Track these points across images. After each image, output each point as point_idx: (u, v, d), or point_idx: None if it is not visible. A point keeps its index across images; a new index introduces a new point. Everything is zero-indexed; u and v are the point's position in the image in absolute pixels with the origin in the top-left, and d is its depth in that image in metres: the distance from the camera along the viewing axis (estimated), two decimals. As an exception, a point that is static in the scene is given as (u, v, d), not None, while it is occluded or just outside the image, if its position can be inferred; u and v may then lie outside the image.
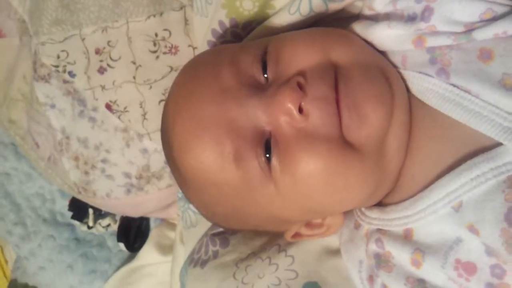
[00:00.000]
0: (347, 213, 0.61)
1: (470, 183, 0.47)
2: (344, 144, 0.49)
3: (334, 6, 0.60)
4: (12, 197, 1.02)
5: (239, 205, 0.55)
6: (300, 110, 0.48)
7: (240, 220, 0.59)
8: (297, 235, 0.60)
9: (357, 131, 0.49)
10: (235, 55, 0.55)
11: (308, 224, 0.59)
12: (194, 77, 0.56)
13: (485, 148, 0.48)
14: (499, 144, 0.47)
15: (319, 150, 0.48)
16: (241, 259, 0.66)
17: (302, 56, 0.51)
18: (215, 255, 0.69)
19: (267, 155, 0.50)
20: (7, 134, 0.99)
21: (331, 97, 0.49)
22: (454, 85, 0.50)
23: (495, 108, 0.47)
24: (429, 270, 0.50)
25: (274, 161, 0.50)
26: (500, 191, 0.46)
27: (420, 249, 0.50)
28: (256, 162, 0.51)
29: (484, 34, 0.49)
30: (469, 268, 0.47)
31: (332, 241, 0.63)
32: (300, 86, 0.49)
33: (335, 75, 0.50)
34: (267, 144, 0.50)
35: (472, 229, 0.47)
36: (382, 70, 0.53)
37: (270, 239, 0.67)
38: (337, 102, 0.49)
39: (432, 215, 0.50)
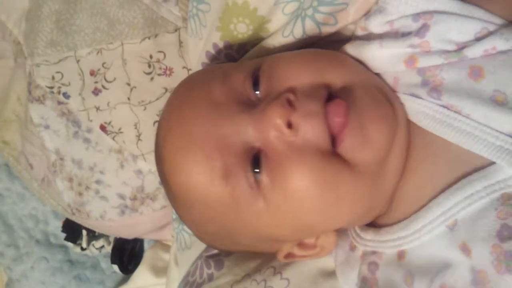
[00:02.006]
0: (342, 235, 0.61)
1: (464, 201, 0.48)
2: (337, 159, 0.49)
3: (327, 29, 0.61)
4: (4, 218, 1.02)
5: (228, 223, 0.55)
6: (290, 126, 0.49)
7: (231, 239, 0.59)
8: (290, 255, 0.59)
9: (358, 151, 0.49)
10: (228, 73, 0.56)
11: (301, 245, 0.58)
12: (186, 95, 0.57)
13: (479, 167, 0.48)
14: (492, 163, 0.48)
15: (310, 163, 0.48)
16: (236, 281, 0.65)
17: (295, 74, 0.52)
18: (210, 277, 0.68)
19: (257, 171, 0.50)
20: (0, 154, 0.98)
21: (321, 112, 0.49)
22: (444, 106, 0.50)
23: (486, 128, 0.48)
24: None
25: (264, 176, 0.50)
26: (493, 208, 0.46)
27: (411, 272, 0.50)
28: (244, 179, 0.51)
29: (475, 51, 0.49)
30: None
31: (327, 263, 0.62)
32: (290, 102, 0.49)
33: (330, 94, 0.51)
34: (256, 160, 0.51)
35: (464, 248, 0.47)
36: (382, 91, 0.54)
37: (264, 260, 0.66)
38: (344, 122, 0.49)
39: (427, 235, 0.49)
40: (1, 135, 0.90)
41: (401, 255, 0.52)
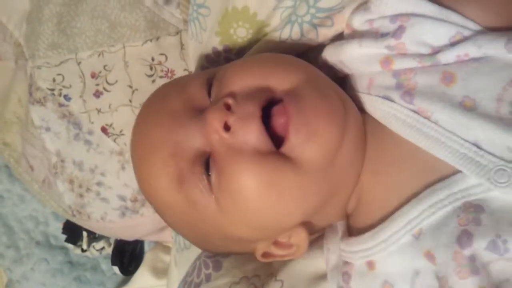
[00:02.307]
0: (333, 239, 0.61)
1: (429, 210, 0.48)
2: (278, 157, 0.50)
3: (324, 31, 0.62)
4: (4, 219, 1.02)
5: (196, 226, 0.57)
6: (228, 128, 0.51)
7: (204, 241, 0.61)
8: (268, 255, 0.60)
9: (304, 148, 0.50)
10: (186, 82, 0.58)
11: (277, 244, 0.59)
12: (148, 105, 0.61)
13: (444, 175, 0.49)
14: (458, 171, 0.48)
15: (249, 164, 0.50)
16: (234, 283, 0.66)
17: (239, 79, 0.54)
18: (208, 278, 0.68)
19: (209, 174, 0.53)
20: (0, 156, 0.98)
21: (256, 113, 0.50)
22: (415, 111, 0.51)
23: (452, 135, 0.49)
24: None
25: (213, 179, 0.52)
26: (455, 216, 0.47)
27: (388, 282, 0.51)
28: (198, 182, 0.53)
29: (448, 56, 0.50)
30: None
31: (322, 265, 0.62)
32: (228, 106, 0.51)
33: (270, 98, 0.52)
34: (207, 164, 0.53)
35: (429, 256, 0.48)
36: (335, 90, 0.55)
37: (262, 264, 0.66)
38: (287, 120, 0.50)
39: (394, 244, 0.50)
40: (1, 137, 0.90)
41: (370, 265, 0.52)
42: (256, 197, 0.51)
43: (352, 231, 0.57)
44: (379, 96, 0.54)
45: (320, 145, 0.50)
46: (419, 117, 0.51)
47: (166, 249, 0.94)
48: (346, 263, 0.55)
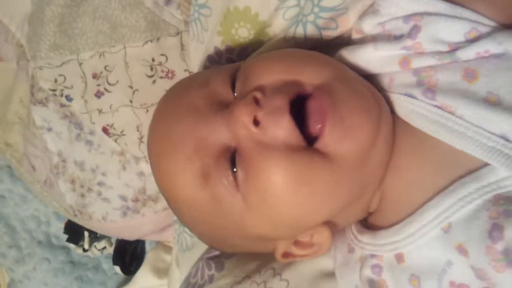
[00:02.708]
0: (341, 236, 0.61)
1: (458, 204, 0.48)
2: (310, 152, 0.49)
3: (328, 34, 0.62)
4: (6, 219, 1.03)
5: (215, 224, 0.56)
6: (257, 123, 0.49)
7: (223, 240, 0.60)
8: (288, 254, 0.59)
9: (339, 144, 0.49)
10: (208, 76, 0.57)
11: (298, 243, 0.58)
12: (169, 101, 0.59)
13: (472, 169, 0.48)
14: (485, 164, 0.48)
15: (279, 160, 0.49)
16: (236, 282, 0.65)
17: (266, 73, 0.52)
18: (211, 279, 0.68)
19: (235, 170, 0.51)
20: (2, 156, 0.99)
21: (286, 108, 0.49)
22: (438, 107, 0.51)
23: (478, 129, 0.48)
24: None
25: (240, 175, 0.51)
26: (485, 209, 0.47)
27: (415, 275, 0.50)
28: (223, 178, 0.52)
29: (467, 54, 0.50)
30: None
31: (327, 264, 0.62)
32: (256, 100, 0.50)
33: (302, 91, 0.51)
34: (233, 160, 0.51)
35: (461, 250, 0.47)
36: (366, 86, 0.54)
37: (264, 262, 0.66)
38: (320, 112, 0.49)
39: (422, 238, 0.50)
40: (3, 137, 0.90)
41: (399, 258, 0.52)
42: (286, 194, 0.49)
43: (370, 227, 0.57)
44: (401, 94, 0.54)
45: (356, 140, 0.49)
46: (443, 112, 0.50)
47: (167, 248, 0.95)
48: (372, 256, 0.55)
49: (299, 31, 0.61)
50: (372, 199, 0.56)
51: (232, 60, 0.67)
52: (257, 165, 0.50)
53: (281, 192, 0.50)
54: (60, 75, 0.79)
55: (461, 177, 0.48)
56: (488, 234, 0.45)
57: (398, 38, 0.54)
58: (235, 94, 0.54)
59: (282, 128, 0.49)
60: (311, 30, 0.60)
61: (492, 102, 0.48)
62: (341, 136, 0.49)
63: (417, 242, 0.50)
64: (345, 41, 0.62)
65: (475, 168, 0.48)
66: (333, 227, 0.57)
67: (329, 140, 0.49)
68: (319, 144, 0.49)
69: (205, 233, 0.61)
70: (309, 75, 0.52)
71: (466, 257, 0.47)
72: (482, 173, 0.48)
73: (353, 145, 0.49)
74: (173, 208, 0.61)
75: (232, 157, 0.52)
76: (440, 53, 0.51)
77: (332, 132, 0.49)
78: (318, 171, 0.49)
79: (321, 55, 0.58)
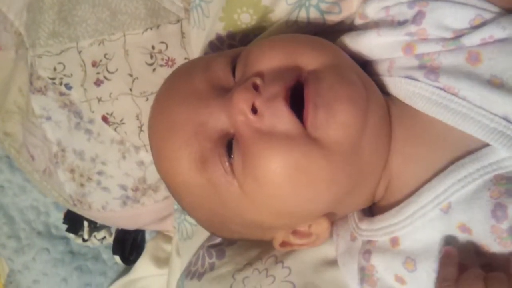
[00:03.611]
0: (343, 224, 0.61)
1: (458, 184, 0.48)
2: (307, 140, 0.49)
3: (331, 18, 0.61)
4: (5, 209, 1.02)
5: (212, 209, 0.56)
6: (255, 111, 0.49)
7: (223, 226, 0.60)
8: (286, 243, 0.59)
9: (324, 128, 0.49)
10: (209, 61, 0.56)
11: (296, 233, 0.58)
12: (170, 85, 0.59)
13: (472, 149, 0.49)
14: (485, 145, 0.48)
15: (277, 148, 0.49)
16: (237, 270, 0.66)
17: (266, 59, 0.52)
18: (212, 267, 0.68)
19: (232, 156, 0.51)
20: (1, 146, 0.98)
21: (280, 94, 0.49)
22: (441, 88, 0.51)
23: (481, 110, 0.49)
24: (418, 281, 0.50)
25: (236, 162, 0.51)
26: (486, 189, 0.47)
27: (411, 258, 0.51)
28: (220, 164, 0.52)
29: (472, 40, 0.50)
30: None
31: (329, 252, 0.63)
32: (255, 87, 0.49)
33: (300, 77, 0.50)
34: (230, 146, 0.51)
35: (464, 229, 0.48)
36: (358, 74, 0.54)
37: (265, 249, 0.66)
38: (305, 100, 0.49)
39: (420, 219, 0.50)
40: (2, 127, 0.90)
41: (394, 242, 0.52)
42: (284, 183, 0.49)
43: (374, 213, 0.57)
44: (402, 77, 0.54)
45: (342, 126, 0.49)
46: (446, 93, 0.50)
47: (167, 238, 0.94)
48: (368, 242, 0.55)
49: (302, 15, 0.60)
50: (377, 187, 0.56)
51: (234, 46, 0.67)
52: (254, 153, 0.49)
53: (278, 181, 0.49)
54: (60, 63, 0.78)
55: (460, 157, 0.49)
56: (491, 215, 0.46)
57: (401, 23, 0.54)
58: (235, 79, 0.54)
59: (280, 117, 0.49)
60: (314, 14, 0.60)
61: (496, 85, 0.48)
62: (326, 118, 0.48)
63: (414, 224, 0.50)
64: (346, 27, 0.62)
65: (475, 149, 0.49)
66: (332, 217, 0.57)
67: (316, 122, 0.48)
68: (308, 126, 0.49)
69: (204, 218, 0.61)
70: (307, 60, 0.52)
71: (470, 234, 0.47)
72: (483, 153, 0.48)
73: (340, 130, 0.49)
74: (172, 192, 0.61)
75: (229, 143, 0.51)
76: (444, 39, 0.51)
77: (317, 114, 0.48)
78: (314, 159, 0.49)
79: (321, 39, 0.57)
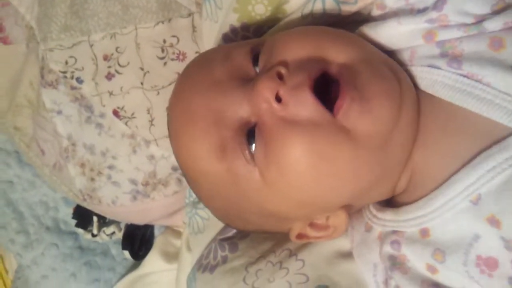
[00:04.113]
0: (358, 216, 0.61)
1: (487, 175, 0.47)
2: (336, 129, 0.48)
3: (347, 8, 0.61)
4: (15, 205, 1.02)
5: (233, 199, 0.56)
6: (279, 99, 0.49)
7: (239, 216, 0.59)
8: (302, 236, 0.59)
9: (359, 119, 0.48)
10: (230, 50, 0.56)
11: (313, 225, 0.58)
12: (190, 74, 0.59)
13: (499, 138, 0.48)
14: (511, 133, 0.48)
15: (301, 135, 0.48)
16: (250, 263, 0.65)
17: (292, 49, 0.52)
18: (224, 260, 0.68)
19: (252, 145, 0.51)
20: (10, 141, 0.98)
21: (306, 83, 0.48)
22: (464, 76, 0.50)
23: (507, 96, 0.48)
24: (449, 271, 0.50)
25: (258, 151, 0.50)
26: None
27: (440, 249, 0.50)
28: (240, 153, 0.51)
29: (495, 24, 0.49)
30: (491, 264, 0.47)
31: (344, 244, 0.62)
32: (280, 76, 0.49)
33: (326, 69, 0.50)
34: (252, 134, 0.51)
35: (493, 221, 0.47)
36: (390, 66, 0.53)
37: (278, 242, 0.66)
38: (341, 91, 0.49)
39: (449, 211, 0.49)
40: (13, 121, 0.90)
41: (424, 233, 0.52)
42: (307, 171, 0.49)
43: (392, 205, 0.56)
44: (424, 66, 0.54)
45: (376, 120, 0.49)
46: (470, 80, 0.50)
47: (177, 233, 0.94)
48: (394, 232, 0.55)
49: (317, 6, 0.60)
50: (398, 180, 0.55)
51: (248, 38, 0.66)
52: (278, 140, 0.49)
53: (301, 169, 0.49)
54: (71, 57, 0.78)
55: (488, 147, 0.48)
56: None
57: (421, 11, 0.54)
58: (258, 68, 0.54)
59: (304, 104, 0.48)
60: (329, 5, 0.60)
61: None
62: (361, 111, 0.48)
63: (444, 215, 0.50)
64: (362, 18, 0.62)
65: (503, 137, 0.48)
66: (350, 209, 0.57)
67: (348, 113, 0.48)
68: (340, 116, 0.48)
69: (220, 208, 0.61)
70: (335, 53, 0.51)
71: (498, 228, 0.47)
72: (510, 141, 0.47)
73: (374, 124, 0.49)
74: (190, 181, 0.61)
75: (250, 132, 0.51)
76: (465, 25, 0.51)
77: (351, 106, 0.48)
78: (340, 147, 0.48)
79: (348, 33, 0.57)
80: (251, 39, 0.61)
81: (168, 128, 0.61)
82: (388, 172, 0.53)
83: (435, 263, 0.51)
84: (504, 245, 0.46)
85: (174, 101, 0.59)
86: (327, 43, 0.52)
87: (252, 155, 0.51)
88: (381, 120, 0.49)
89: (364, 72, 0.50)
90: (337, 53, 0.51)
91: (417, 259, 0.52)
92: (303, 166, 0.49)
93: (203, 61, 0.59)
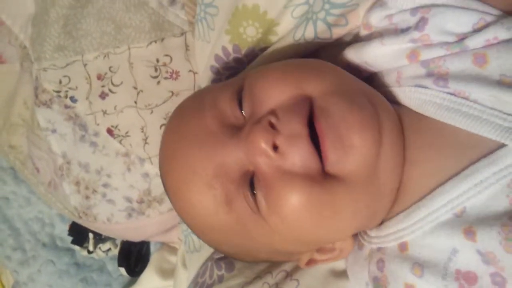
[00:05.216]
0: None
1: (474, 189, 0.48)
2: (326, 176, 0.49)
3: (338, 31, 0.61)
4: (11, 221, 1.02)
5: (242, 244, 0.57)
6: (275, 148, 0.49)
7: (248, 255, 0.60)
8: (311, 261, 0.60)
9: (342, 163, 0.49)
10: (215, 96, 0.56)
11: (320, 249, 0.59)
12: (181, 124, 0.58)
13: (486, 152, 0.48)
14: (499, 147, 0.48)
15: (300, 186, 0.49)
16: (246, 283, 0.66)
17: (274, 91, 0.52)
18: (220, 279, 0.68)
19: (255, 193, 0.51)
20: (6, 159, 0.98)
21: (303, 133, 0.49)
22: (451, 93, 0.51)
23: (493, 111, 0.48)
24: (428, 286, 0.49)
25: (260, 200, 0.51)
26: (504, 196, 0.46)
27: (418, 263, 0.50)
28: (246, 204, 0.52)
29: (476, 41, 0.50)
30: (470, 278, 0.47)
31: (338, 263, 0.63)
32: (272, 125, 0.49)
33: (310, 108, 0.51)
34: (252, 184, 0.51)
35: (469, 232, 0.47)
36: (365, 94, 0.54)
37: (275, 263, 0.67)
38: (320, 136, 0.49)
39: (431, 223, 0.49)
40: (7, 139, 0.90)
41: (403, 247, 0.52)
42: (307, 218, 0.50)
43: (383, 220, 0.56)
44: (411, 86, 0.54)
45: (359, 156, 0.49)
46: (457, 98, 0.50)
47: (172, 250, 0.94)
48: (379, 249, 0.55)
49: (309, 29, 0.60)
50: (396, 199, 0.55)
51: (239, 59, 0.67)
52: (277, 192, 0.50)
53: (302, 217, 0.50)
54: (65, 76, 0.79)
55: (476, 160, 0.48)
56: (507, 215, 0.45)
57: (404, 31, 0.55)
58: (243, 112, 0.54)
59: (301, 155, 0.49)
60: (321, 28, 0.60)
61: (506, 84, 0.48)
62: (343, 155, 0.49)
63: (424, 228, 0.50)
64: (349, 38, 0.62)
65: (490, 151, 0.48)
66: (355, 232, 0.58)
67: (333, 162, 0.49)
68: (327, 167, 0.49)
69: (229, 250, 0.62)
70: (313, 87, 0.52)
71: (474, 241, 0.46)
72: (498, 155, 0.47)
73: (358, 161, 0.49)
74: (196, 232, 0.61)
75: (251, 181, 0.52)
76: (448, 43, 0.52)
77: (335, 153, 0.49)
78: (336, 194, 0.49)
79: (323, 63, 0.58)
80: (233, 79, 0.61)
81: (166, 184, 0.60)
82: (384, 196, 0.53)
83: (414, 279, 0.50)
84: (481, 259, 0.46)
85: (169, 154, 0.58)
86: (304, 78, 0.53)
87: (255, 204, 0.51)
88: (364, 154, 0.49)
89: (336, 106, 0.50)
90: (314, 87, 0.52)
91: (395, 280, 0.52)
92: (303, 214, 0.50)
93: (192, 111, 0.58)
